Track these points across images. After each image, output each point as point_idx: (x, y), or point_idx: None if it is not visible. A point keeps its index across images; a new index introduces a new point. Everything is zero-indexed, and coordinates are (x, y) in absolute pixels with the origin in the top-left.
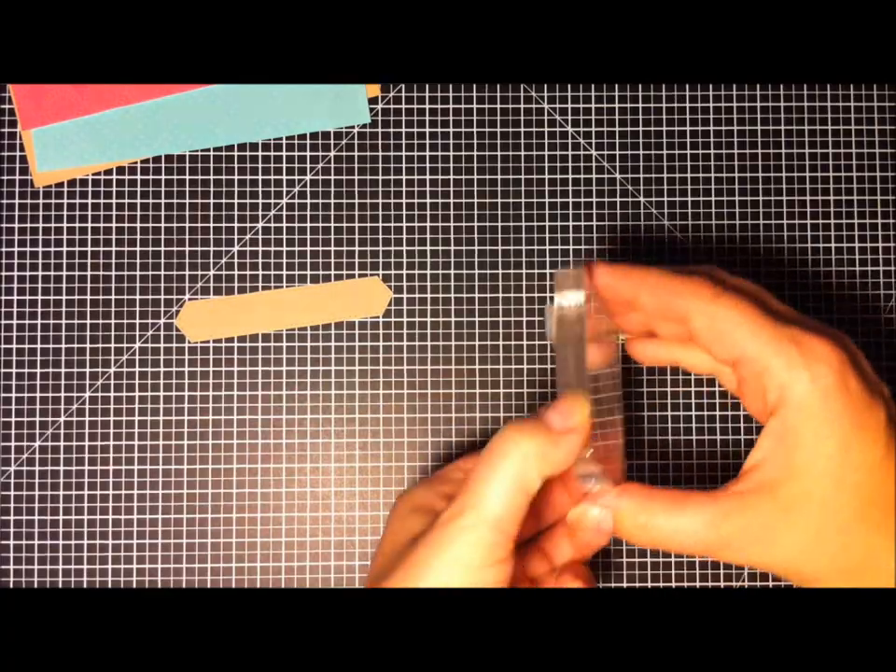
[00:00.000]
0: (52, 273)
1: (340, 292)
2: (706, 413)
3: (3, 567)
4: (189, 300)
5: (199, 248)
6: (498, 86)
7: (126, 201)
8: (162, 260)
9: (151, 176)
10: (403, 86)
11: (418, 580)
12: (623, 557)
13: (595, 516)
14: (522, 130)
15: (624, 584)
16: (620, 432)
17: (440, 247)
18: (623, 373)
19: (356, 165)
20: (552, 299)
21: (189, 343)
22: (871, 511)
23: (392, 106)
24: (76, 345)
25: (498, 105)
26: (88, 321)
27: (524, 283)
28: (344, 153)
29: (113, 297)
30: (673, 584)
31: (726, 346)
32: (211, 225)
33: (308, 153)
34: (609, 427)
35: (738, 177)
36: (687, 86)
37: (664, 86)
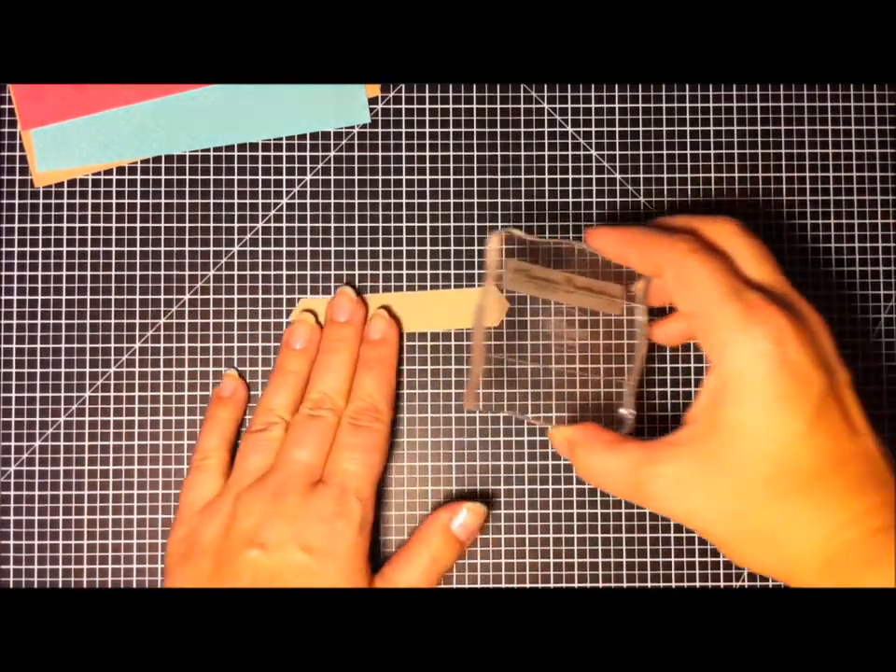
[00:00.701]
0: (52, 272)
1: (456, 300)
2: None
3: (3, 566)
4: (190, 299)
5: (199, 248)
6: (498, 86)
7: (126, 201)
8: (162, 260)
9: (151, 176)
10: (403, 86)
11: None
12: (623, 557)
13: (557, 441)
14: (522, 130)
15: (624, 584)
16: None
17: (440, 247)
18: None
19: (356, 165)
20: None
21: (189, 343)
22: (783, 480)
23: (392, 106)
24: (75, 345)
25: (498, 105)
26: (88, 321)
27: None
28: (344, 153)
29: (113, 297)
30: (673, 584)
31: (686, 298)
32: (211, 225)
33: (308, 153)
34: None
35: (738, 177)
36: (687, 86)
37: (664, 86)
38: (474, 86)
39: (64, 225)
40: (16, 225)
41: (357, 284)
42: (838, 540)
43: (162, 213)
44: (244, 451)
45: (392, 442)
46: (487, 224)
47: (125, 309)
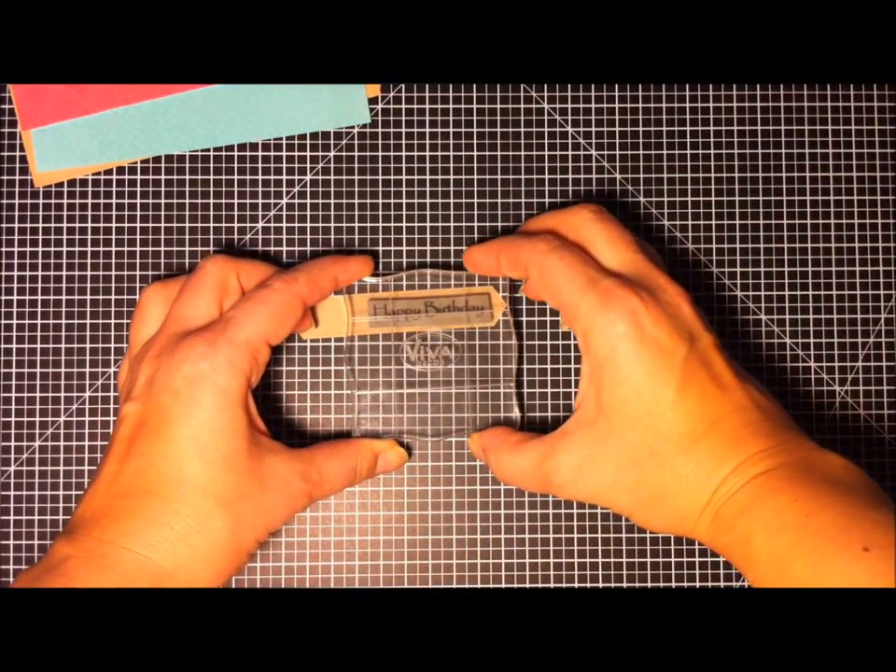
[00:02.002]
0: (52, 272)
1: (453, 298)
2: None
3: (3, 566)
4: None
5: (199, 248)
6: (498, 86)
7: (126, 201)
8: (162, 260)
9: (151, 176)
10: (403, 86)
11: None
12: (623, 557)
13: (474, 449)
14: (522, 130)
15: (624, 584)
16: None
17: (440, 247)
18: None
19: (356, 165)
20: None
21: None
22: (665, 447)
23: (392, 106)
24: (76, 345)
25: (498, 105)
26: (88, 321)
27: (523, 283)
28: (344, 153)
29: (113, 297)
30: (673, 584)
31: (550, 295)
32: (211, 225)
33: (308, 153)
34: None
35: (738, 177)
36: (687, 86)
37: (664, 86)
38: (474, 86)
39: (64, 225)
40: (16, 225)
41: (356, 283)
42: (722, 493)
43: (162, 213)
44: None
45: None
46: (487, 224)
47: (125, 309)
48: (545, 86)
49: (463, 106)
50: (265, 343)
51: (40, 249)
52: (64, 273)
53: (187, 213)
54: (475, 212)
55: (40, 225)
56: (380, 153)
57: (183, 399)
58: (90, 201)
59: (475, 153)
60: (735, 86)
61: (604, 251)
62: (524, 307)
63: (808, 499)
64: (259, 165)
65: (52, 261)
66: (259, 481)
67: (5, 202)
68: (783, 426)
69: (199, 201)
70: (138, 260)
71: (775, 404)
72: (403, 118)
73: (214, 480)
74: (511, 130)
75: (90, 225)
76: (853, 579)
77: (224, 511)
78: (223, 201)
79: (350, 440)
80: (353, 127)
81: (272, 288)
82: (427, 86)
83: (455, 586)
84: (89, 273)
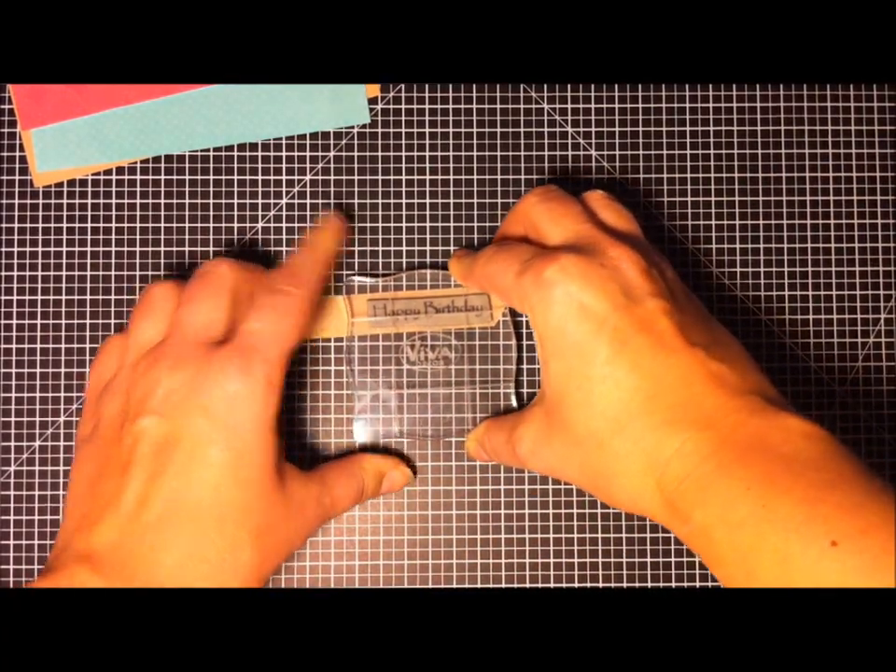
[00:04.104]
0: (52, 272)
1: (452, 298)
2: None
3: (3, 566)
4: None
5: (199, 248)
6: (498, 86)
7: (126, 201)
8: (162, 261)
9: (151, 176)
10: (403, 86)
11: None
12: (623, 557)
13: (472, 448)
14: (522, 130)
15: (625, 584)
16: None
17: (440, 247)
18: None
19: (356, 165)
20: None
21: None
22: (597, 425)
23: (392, 106)
24: (76, 345)
25: (498, 105)
26: (88, 321)
27: None
28: (344, 153)
29: (113, 297)
30: (673, 584)
31: (502, 295)
32: (211, 225)
33: (308, 153)
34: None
35: (738, 177)
36: (687, 86)
37: (664, 86)
38: (474, 86)
39: (64, 225)
40: (16, 225)
41: (356, 283)
42: (670, 479)
43: (162, 213)
44: (131, 324)
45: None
46: (487, 224)
47: (125, 309)
48: (545, 86)
49: (463, 106)
50: (291, 354)
51: (40, 249)
52: (64, 272)
53: (187, 213)
54: (475, 212)
55: (40, 225)
56: (380, 153)
57: (219, 421)
58: (90, 201)
59: (475, 153)
60: (734, 86)
61: (548, 230)
62: None
63: (763, 486)
64: (259, 165)
65: (52, 261)
66: (284, 508)
67: (5, 202)
68: (739, 389)
69: (199, 201)
70: (138, 260)
71: (734, 365)
72: (403, 118)
73: (248, 508)
74: (510, 130)
75: (90, 225)
76: (823, 578)
77: (253, 541)
78: (223, 201)
79: (355, 458)
80: (353, 127)
81: (290, 296)
82: (426, 86)
83: (455, 586)
84: (89, 272)
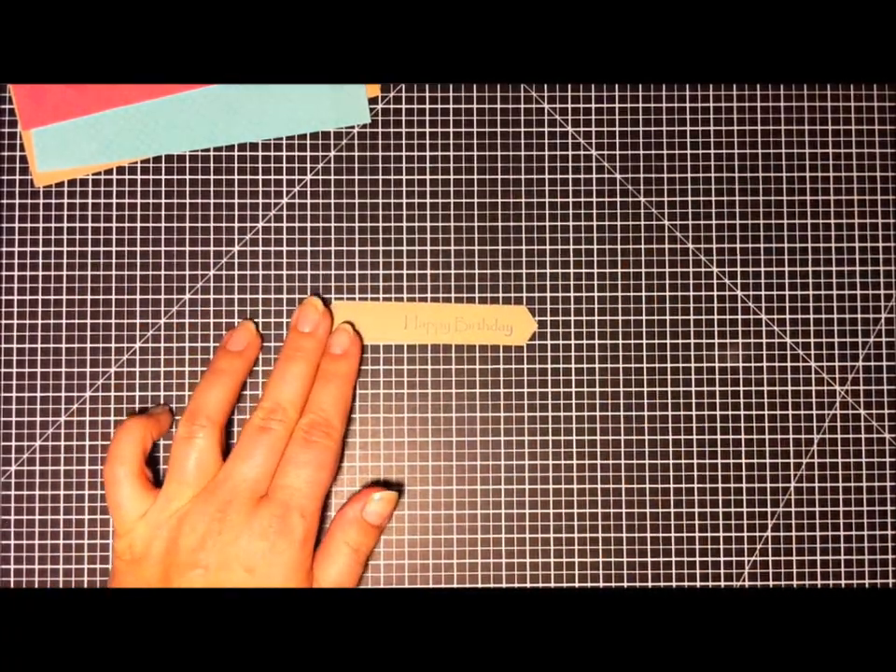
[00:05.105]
0: (52, 272)
1: (483, 315)
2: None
3: (3, 566)
4: (190, 298)
5: (199, 248)
6: (498, 86)
7: (126, 201)
8: (162, 260)
9: (151, 176)
10: (403, 86)
11: None
12: (623, 557)
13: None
14: (522, 130)
15: (625, 584)
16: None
17: (440, 247)
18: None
19: (356, 165)
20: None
21: (189, 343)
22: None
23: (392, 106)
24: (76, 345)
25: (498, 105)
26: (88, 321)
27: (524, 283)
28: (344, 153)
29: (113, 297)
30: (673, 584)
31: None
32: (211, 225)
33: (308, 153)
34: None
35: (738, 177)
36: (687, 86)
37: (664, 86)
38: (474, 86)
39: (64, 225)
40: (16, 225)
41: (356, 283)
42: None
43: (162, 213)
44: (176, 453)
45: (342, 456)
46: (487, 224)
47: (125, 309)
48: (545, 86)
49: (463, 106)
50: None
51: (40, 249)
52: (65, 272)
53: (187, 213)
54: (475, 212)
55: (40, 225)
56: (380, 153)
57: (259, 575)
58: (90, 201)
59: (475, 153)
60: (735, 86)
61: None
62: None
63: None
64: (259, 165)
65: (52, 261)
66: None
67: (5, 202)
68: None
69: (199, 201)
70: (138, 260)
71: None
72: (403, 118)
73: None
74: (511, 130)
75: (90, 225)
76: None
77: None
78: (223, 201)
79: (332, 524)
80: (353, 127)
81: (326, 450)
82: (427, 86)
83: (455, 586)
84: (89, 272)
